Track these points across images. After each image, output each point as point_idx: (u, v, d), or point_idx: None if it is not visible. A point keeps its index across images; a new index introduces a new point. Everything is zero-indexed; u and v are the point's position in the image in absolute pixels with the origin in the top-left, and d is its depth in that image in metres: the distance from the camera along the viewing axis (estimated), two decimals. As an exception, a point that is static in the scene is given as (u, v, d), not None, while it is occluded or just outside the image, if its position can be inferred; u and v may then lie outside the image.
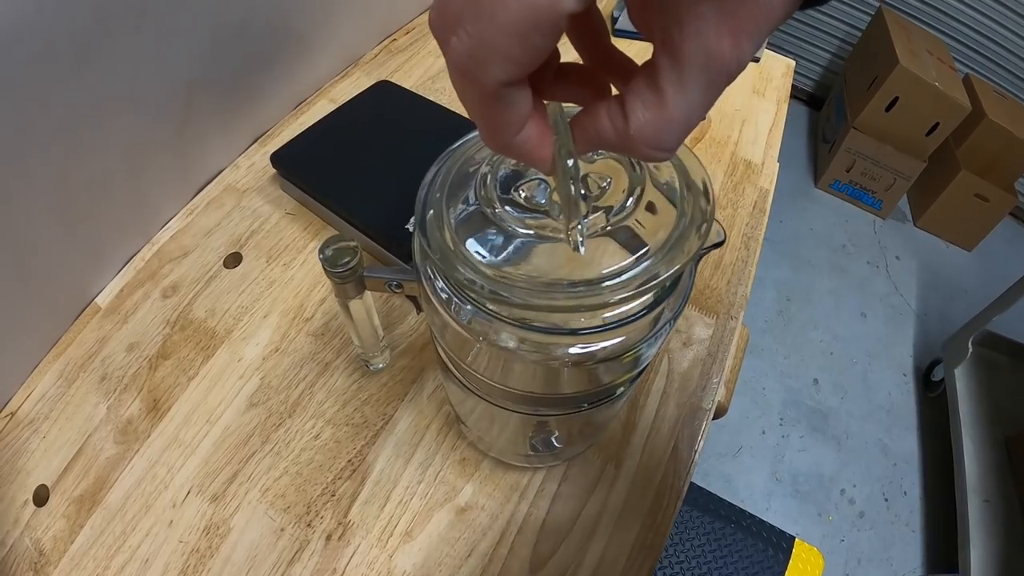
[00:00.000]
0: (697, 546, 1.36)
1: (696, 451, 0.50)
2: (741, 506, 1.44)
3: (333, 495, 0.45)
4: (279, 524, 0.44)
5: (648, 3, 0.20)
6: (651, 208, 0.28)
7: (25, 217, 0.46)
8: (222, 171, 0.64)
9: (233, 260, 0.57)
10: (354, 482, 0.46)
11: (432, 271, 0.30)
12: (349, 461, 0.46)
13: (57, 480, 0.46)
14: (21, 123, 0.42)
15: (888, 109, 1.79)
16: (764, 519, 1.43)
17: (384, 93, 0.67)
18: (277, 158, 0.60)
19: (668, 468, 0.48)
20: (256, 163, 0.65)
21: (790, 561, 1.42)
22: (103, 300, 0.56)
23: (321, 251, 0.37)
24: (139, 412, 0.49)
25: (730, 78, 0.19)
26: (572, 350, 0.28)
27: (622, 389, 0.36)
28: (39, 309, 0.52)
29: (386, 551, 0.44)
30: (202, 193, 0.62)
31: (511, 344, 0.29)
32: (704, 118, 0.23)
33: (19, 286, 0.48)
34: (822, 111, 2.27)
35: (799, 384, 1.62)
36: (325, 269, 0.37)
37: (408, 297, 0.39)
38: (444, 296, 0.29)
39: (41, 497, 0.46)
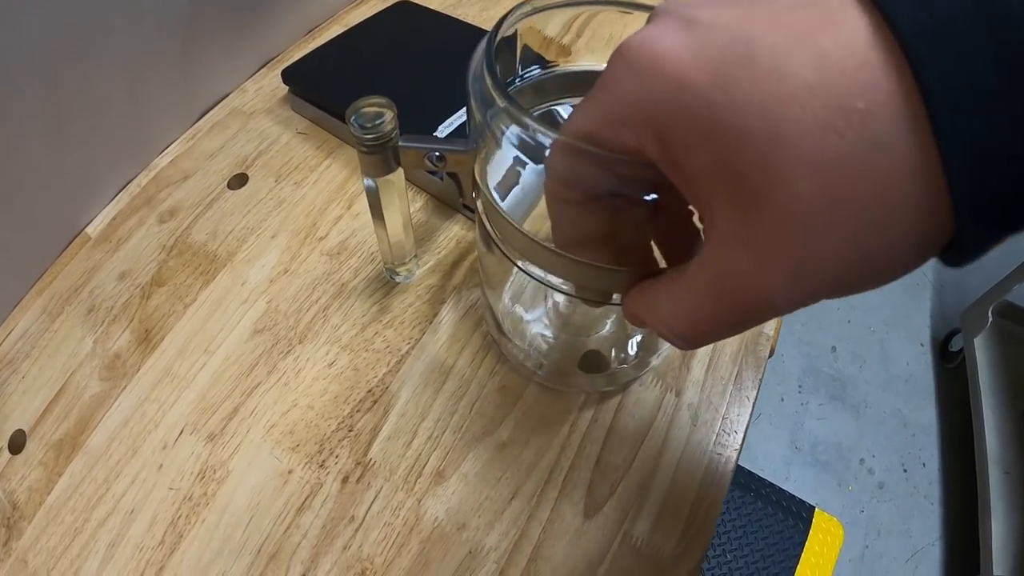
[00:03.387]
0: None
1: (760, 379, 0.41)
2: (761, 475, 1.35)
3: (351, 431, 0.36)
4: (286, 465, 0.35)
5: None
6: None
7: (11, 134, 0.37)
8: (228, 96, 0.55)
9: (238, 181, 0.48)
10: (375, 415, 0.37)
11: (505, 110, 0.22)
12: (369, 391, 0.37)
13: (35, 424, 0.38)
14: (8, 19, 0.34)
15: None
16: (784, 488, 1.35)
17: (405, 12, 0.57)
18: (289, 74, 0.51)
19: (733, 398, 0.39)
20: (265, 86, 0.55)
21: (810, 531, 1.34)
22: (93, 229, 0.47)
23: (351, 111, 0.28)
24: (128, 344, 0.41)
25: (758, 310, 0.17)
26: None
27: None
28: (23, 240, 0.43)
29: (414, 494, 0.34)
30: (205, 117, 0.53)
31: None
32: (732, 332, 0.19)
33: (1, 215, 0.39)
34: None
35: (817, 351, 1.51)
36: (354, 133, 0.28)
37: (449, 175, 0.31)
38: (515, 139, 0.21)
39: (17, 444, 0.37)
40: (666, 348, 0.38)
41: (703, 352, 0.40)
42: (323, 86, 0.50)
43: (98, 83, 0.42)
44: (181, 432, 0.37)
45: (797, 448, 1.38)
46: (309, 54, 0.52)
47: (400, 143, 0.29)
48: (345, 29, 0.55)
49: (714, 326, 0.18)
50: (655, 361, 0.38)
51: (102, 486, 0.36)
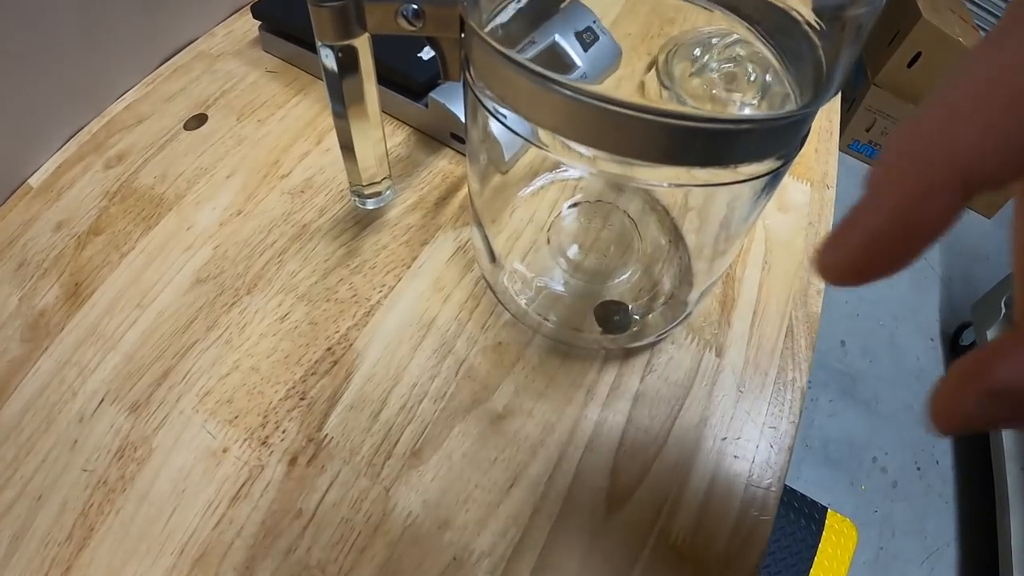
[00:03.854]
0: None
1: (815, 340, 0.31)
2: (771, 474, 1.24)
3: (303, 398, 0.26)
4: (220, 443, 0.26)
5: None
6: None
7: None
8: (194, 41, 0.46)
9: (196, 122, 0.39)
10: (335, 378, 0.27)
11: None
12: (329, 349, 0.28)
13: (-58, 394, 0.29)
14: None
15: (910, 65, 1.53)
16: (795, 488, 1.24)
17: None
18: (260, 7, 0.42)
19: (784, 359, 0.29)
20: (236, 30, 0.46)
21: (823, 533, 1.23)
22: (36, 180, 0.38)
23: None
24: (56, 300, 0.31)
25: None
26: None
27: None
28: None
29: (380, 482, 0.25)
30: (168, 63, 0.45)
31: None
32: None
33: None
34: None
35: (826, 346, 1.40)
36: None
37: (429, 41, 0.21)
38: None
39: (-81, 418, 0.28)
40: (704, 297, 0.29)
41: (745, 304, 0.31)
42: (295, 19, 0.41)
43: (50, 24, 0.34)
44: (101, 402, 0.28)
45: (808, 446, 1.27)
46: (282, -12, 0.43)
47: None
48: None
49: None
50: (693, 308, 0.28)
51: (10, 466, 0.27)
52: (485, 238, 0.27)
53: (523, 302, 0.28)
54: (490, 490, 0.25)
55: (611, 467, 0.25)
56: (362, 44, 0.22)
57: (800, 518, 1.22)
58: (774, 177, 0.20)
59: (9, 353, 0.30)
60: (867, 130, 1.76)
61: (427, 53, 0.36)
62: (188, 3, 0.45)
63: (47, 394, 0.28)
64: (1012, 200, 0.12)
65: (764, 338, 0.30)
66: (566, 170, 0.33)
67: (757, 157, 0.18)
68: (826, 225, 0.37)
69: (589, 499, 0.24)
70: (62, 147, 0.40)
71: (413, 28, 0.21)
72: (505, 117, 0.19)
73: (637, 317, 0.28)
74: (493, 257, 0.28)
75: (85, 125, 0.41)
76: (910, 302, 1.51)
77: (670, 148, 0.16)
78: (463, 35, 0.21)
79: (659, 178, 0.20)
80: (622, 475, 0.25)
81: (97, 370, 0.29)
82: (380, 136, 0.26)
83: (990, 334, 1.27)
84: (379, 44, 0.23)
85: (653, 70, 0.37)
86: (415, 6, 0.20)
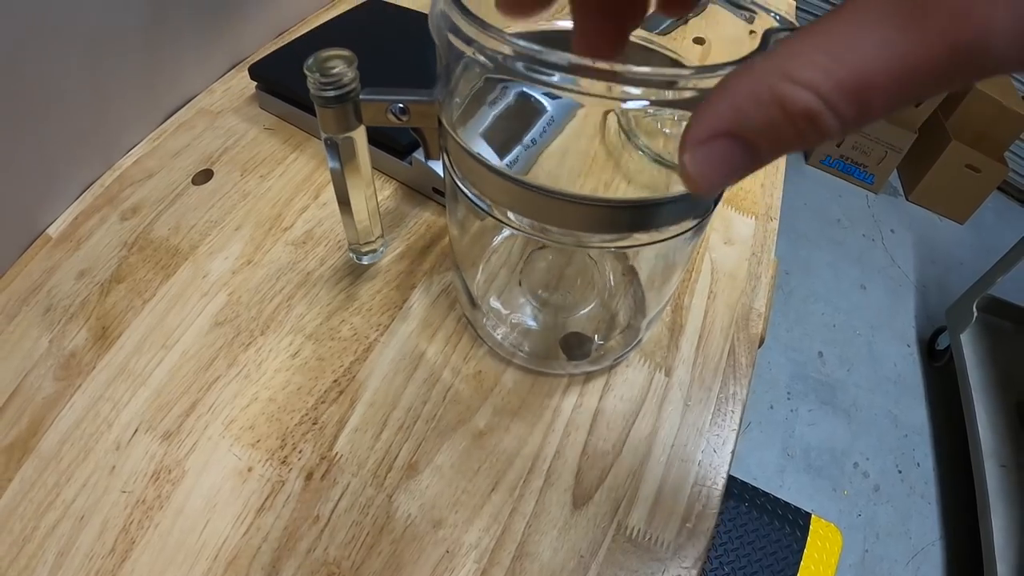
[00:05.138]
0: (722, 500, 1.22)
1: (754, 360, 0.37)
2: (754, 484, 1.30)
3: (315, 423, 0.32)
4: (246, 463, 0.31)
5: None
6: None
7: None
8: (195, 97, 0.52)
9: (203, 177, 0.45)
10: (341, 406, 0.33)
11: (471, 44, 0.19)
12: (335, 381, 0.34)
13: (-15, 429, 0.34)
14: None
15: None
16: (778, 496, 1.30)
17: (375, 8, 0.55)
18: (256, 69, 0.48)
19: (727, 375, 0.36)
20: (233, 87, 0.52)
21: (808, 539, 1.29)
22: (55, 230, 0.43)
23: (311, 62, 0.25)
24: (85, 342, 0.37)
25: (970, 55, 0.11)
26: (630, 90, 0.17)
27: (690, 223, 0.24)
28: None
29: (384, 490, 0.31)
30: (172, 118, 0.50)
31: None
32: (906, 100, 0.11)
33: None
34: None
35: (804, 357, 1.48)
36: (312, 87, 0.25)
37: (414, 132, 0.28)
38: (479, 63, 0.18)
39: (-35, 452, 0.33)
40: (653, 322, 0.35)
41: (691, 329, 0.37)
42: (290, 80, 0.47)
43: (60, 82, 0.40)
44: (135, 431, 0.33)
45: (789, 455, 1.34)
46: (277, 50, 0.50)
47: (361, 96, 0.26)
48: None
49: (896, 82, 0.11)
50: (643, 335, 0.35)
51: (52, 491, 0.32)
52: (464, 282, 0.34)
53: (499, 336, 0.34)
54: (475, 494, 0.31)
55: (576, 472, 0.31)
56: (359, 133, 0.28)
57: (784, 525, 1.28)
58: (697, 229, 0.26)
59: (44, 391, 0.35)
60: (838, 145, 1.86)
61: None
62: (189, 60, 0.51)
63: (83, 426, 0.34)
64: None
65: (709, 358, 0.36)
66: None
67: (675, 222, 0.25)
68: (768, 254, 0.44)
69: (557, 499, 0.31)
70: (77, 199, 0.45)
71: (400, 122, 0.27)
72: (471, 194, 0.25)
73: (600, 343, 0.34)
74: (472, 299, 0.34)
75: (97, 178, 0.46)
76: (886, 310, 1.59)
77: (602, 222, 0.23)
78: (440, 126, 0.27)
79: (596, 242, 0.26)
80: (585, 478, 0.31)
81: (130, 404, 0.34)
82: (375, 204, 0.32)
83: (964, 338, 1.35)
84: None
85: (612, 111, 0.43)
86: (401, 104, 0.27)
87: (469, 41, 0.19)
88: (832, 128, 0.12)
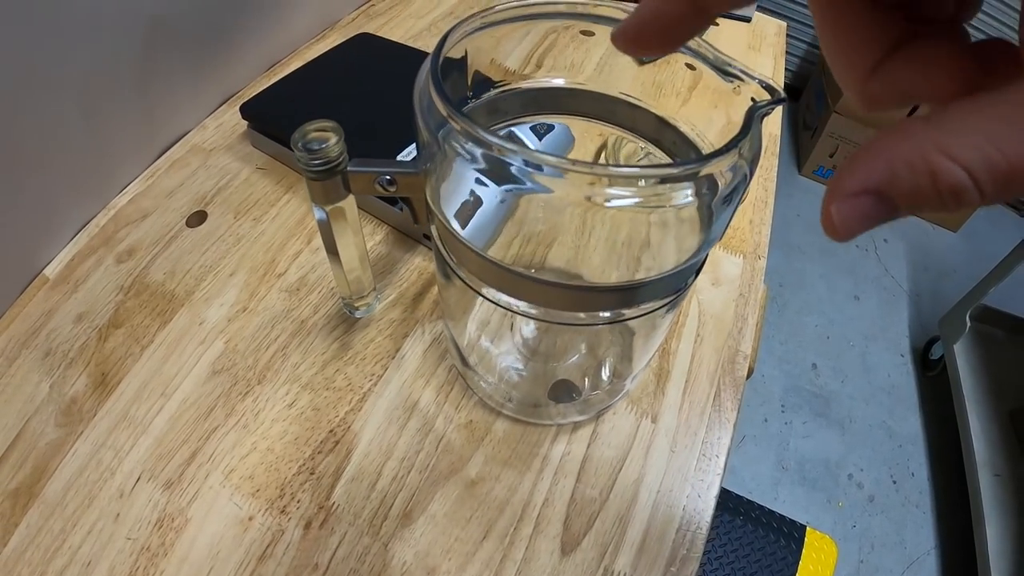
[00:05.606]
0: (707, 541, 1.23)
1: (740, 400, 0.39)
2: (749, 497, 1.32)
3: (312, 473, 0.34)
4: (246, 512, 0.33)
5: None
6: None
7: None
8: (188, 133, 0.54)
9: (197, 219, 0.46)
10: (337, 456, 0.35)
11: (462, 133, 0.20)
12: (331, 432, 0.35)
13: (-11, 474, 0.35)
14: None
15: (868, 94, 1.69)
16: (773, 509, 1.32)
17: (364, 44, 0.57)
18: (248, 109, 0.50)
19: (712, 419, 0.38)
20: (225, 123, 0.54)
21: (803, 550, 1.31)
22: (52, 271, 0.45)
23: (297, 136, 0.27)
24: (85, 389, 0.38)
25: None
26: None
27: (668, 299, 0.26)
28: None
29: (380, 539, 0.32)
30: (165, 155, 0.52)
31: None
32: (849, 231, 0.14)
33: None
34: (801, 99, 2.15)
35: (798, 370, 1.50)
36: (300, 160, 0.27)
37: (403, 200, 0.29)
38: (469, 156, 0.20)
39: (-31, 496, 0.35)
40: (639, 372, 0.37)
41: (678, 374, 0.39)
42: (281, 120, 0.49)
43: (55, 126, 0.41)
44: (138, 479, 0.35)
45: (784, 468, 1.36)
46: (267, 88, 0.51)
47: (349, 167, 0.28)
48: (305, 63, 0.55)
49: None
50: (629, 385, 0.36)
51: (58, 537, 0.33)
52: (452, 335, 0.35)
53: (488, 388, 0.36)
54: (467, 541, 0.32)
55: (564, 518, 0.33)
56: (348, 203, 0.30)
57: (780, 538, 1.30)
58: (676, 300, 0.28)
59: (46, 436, 0.37)
60: (831, 156, 1.89)
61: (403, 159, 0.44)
62: (181, 97, 0.52)
63: (87, 474, 0.35)
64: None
65: (695, 403, 0.38)
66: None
67: (654, 299, 0.26)
68: (756, 294, 0.46)
69: (547, 546, 0.32)
70: (73, 239, 0.47)
71: (388, 192, 0.28)
72: (460, 275, 0.27)
73: (585, 394, 0.36)
74: (460, 351, 0.36)
75: (92, 218, 0.48)
76: (879, 320, 1.61)
77: (582, 303, 0.24)
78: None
79: (577, 320, 0.28)
80: (573, 525, 0.33)
81: (132, 452, 0.36)
82: (367, 264, 0.34)
83: (957, 348, 1.38)
84: (362, 150, 0.29)
85: (603, 154, 0.44)
86: (388, 176, 0.28)
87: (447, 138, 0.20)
88: (973, 202, 0.13)
